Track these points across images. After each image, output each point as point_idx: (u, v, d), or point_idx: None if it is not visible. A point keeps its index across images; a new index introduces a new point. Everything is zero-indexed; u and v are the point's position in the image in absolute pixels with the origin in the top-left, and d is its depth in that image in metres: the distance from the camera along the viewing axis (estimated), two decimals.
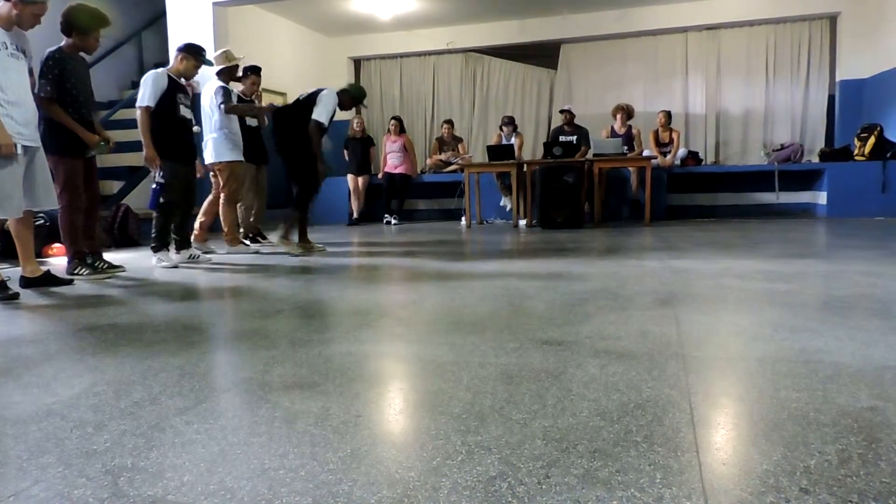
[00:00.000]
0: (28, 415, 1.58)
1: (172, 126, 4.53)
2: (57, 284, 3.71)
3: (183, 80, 4.71)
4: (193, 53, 4.69)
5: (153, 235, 4.62)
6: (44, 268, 3.80)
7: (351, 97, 5.41)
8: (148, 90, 4.42)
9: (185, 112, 4.65)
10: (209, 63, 5.10)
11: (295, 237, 5.27)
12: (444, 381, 1.74)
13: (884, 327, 2.21)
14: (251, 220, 5.92)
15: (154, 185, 4.58)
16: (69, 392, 1.75)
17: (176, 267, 4.50)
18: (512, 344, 2.10)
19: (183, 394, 1.70)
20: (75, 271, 4.01)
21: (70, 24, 3.84)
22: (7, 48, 3.41)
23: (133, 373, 1.91)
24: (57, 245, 5.42)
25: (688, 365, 1.84)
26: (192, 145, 4.78)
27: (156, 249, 4.60)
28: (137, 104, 4.46)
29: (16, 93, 3.44)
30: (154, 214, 4.63)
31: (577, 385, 1.67)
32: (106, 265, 4.17)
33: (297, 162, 5.07)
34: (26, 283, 3.63)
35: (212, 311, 2.92)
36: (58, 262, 4.79)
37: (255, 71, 5.94)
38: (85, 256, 4.09)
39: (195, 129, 5.16)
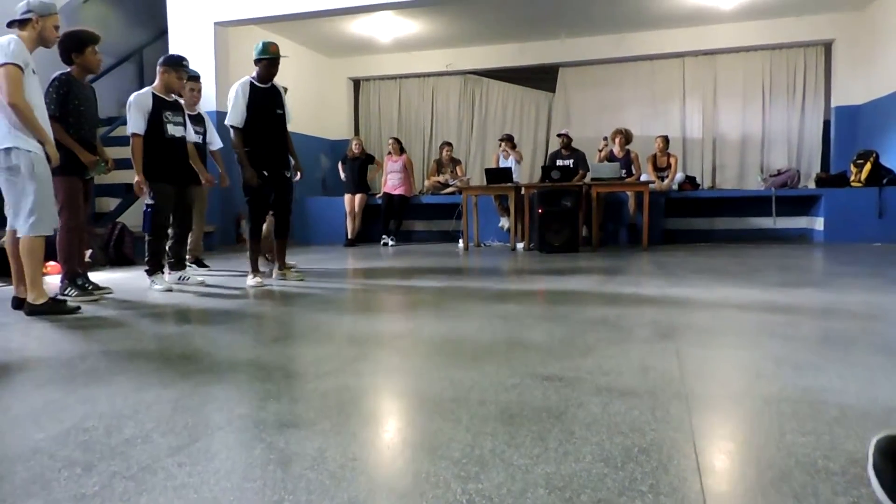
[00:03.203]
0: (14, 452, 1.54)
1: (159, 146, 4.41)
2: (63, 313, 3.50)
3: (173, 96, 4.63)
4: (173, 65, 4.55)
5: (146, 259, 4.56)
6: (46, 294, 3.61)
7: (265, 61, 4.56)
8: (133, 115, 4.37)
9: (175, 130, 4.53)
10: (193, 73, 4.99)
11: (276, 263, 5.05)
12: (443, 421, 1.70)
13: (887, 365, 2.18)
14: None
15: (145, 208, 4.54)
16: (58, 427, 1.70)
17: (170, 290, 4.44)
18: (512, 379, 2.07)
19: (175, 431, 1.65)
20: (65, 292, 3.97)
21: (66, 49, 3.89)
22: (34, 71, 3.45)
23: (125, 406, 1.86)
24: (51, 263, 5.37)
25: (691, 405, 1.80)
26: (185, 164, 4.68)
27: (149, 273, 4.53)
28: (128, 131, 4.42)
29: (42, 113, 3.50)
30: (146, 237, 4.56)
31: (580, 426, 1.64)
32: (93, 287, 4.11)
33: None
34: (30, 310, 3.47)
35: (206, 338, 2.87)
36: (51, 280, 4.73)
37: (194, 78, 5.53)
38: (76, 277, 4.04)
39: (211, 147, 5.11)
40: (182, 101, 4.84)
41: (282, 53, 4.68)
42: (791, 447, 1.49)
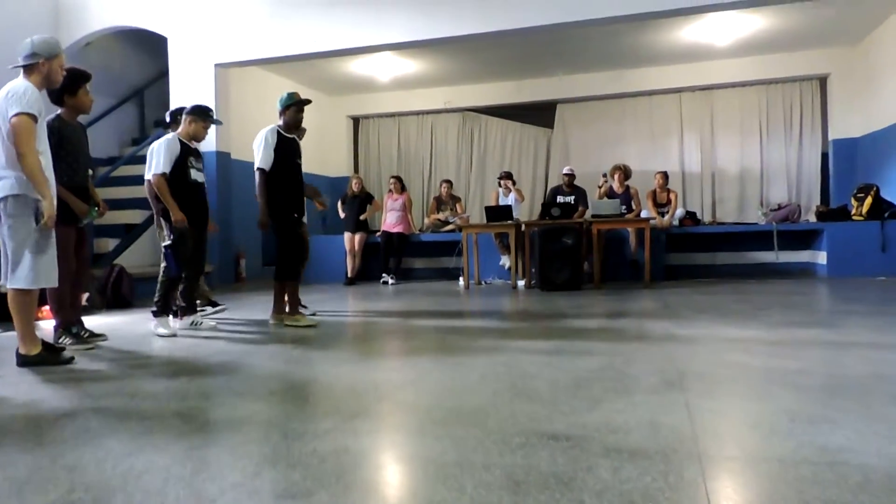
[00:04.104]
0: None
1: (184, 190, 4.56)
2: (56, 364, 3.41)
3: (194, 143, 4.76)
4: (201, 115, 4.72)
5: (156, 300, 4.51)
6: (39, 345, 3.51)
7: (293, 107, 4.71)
8: (162, 157, 4.50)
9: (197, 175, 4.70)
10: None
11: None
12: (446, 489, 1.62)
13: None
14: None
15: (165, 249, 4.52)
16: (43, 500, 1.62)
17: (174, 335, 4.36)
18: (517, 438, 1.99)
19: None
20: (59, 340, 3.90)
21: (59, 89, 3.77)
22: (44, 116, 3.41)
23: (114, 475, 1.78)
24: (46, 308, 5.30)
25: (705, 467, 1.73)
26: (204, 208, 4.78)
27: (156, 314, 4.49)
28: (153, 172, 4.52)
29: (47, 159, 3.43)
30: (160, 277, 4.53)
31: (590, 495, 1.56)
32: (88, 334, 4.04)
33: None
34: (23, 361, 3.39)
35: (202, 393, 2.79)
36: (45, 325, 4.66)
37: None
38: (70, 325, 3.97)
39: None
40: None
41: (282, 93, 4.86)
42: None
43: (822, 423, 2.08)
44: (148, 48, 9.77)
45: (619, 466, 1.75)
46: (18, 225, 3.30)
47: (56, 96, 3.84)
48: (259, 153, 4.67)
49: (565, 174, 8.12)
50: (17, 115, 3.20)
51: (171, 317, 4.58)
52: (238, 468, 1.82)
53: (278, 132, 4.72)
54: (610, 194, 8.14)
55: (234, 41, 8.06)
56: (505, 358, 3.31)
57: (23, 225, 3.30)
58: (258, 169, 4.67)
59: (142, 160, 7.93)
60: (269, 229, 4.77)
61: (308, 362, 3.47)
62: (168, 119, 5.28)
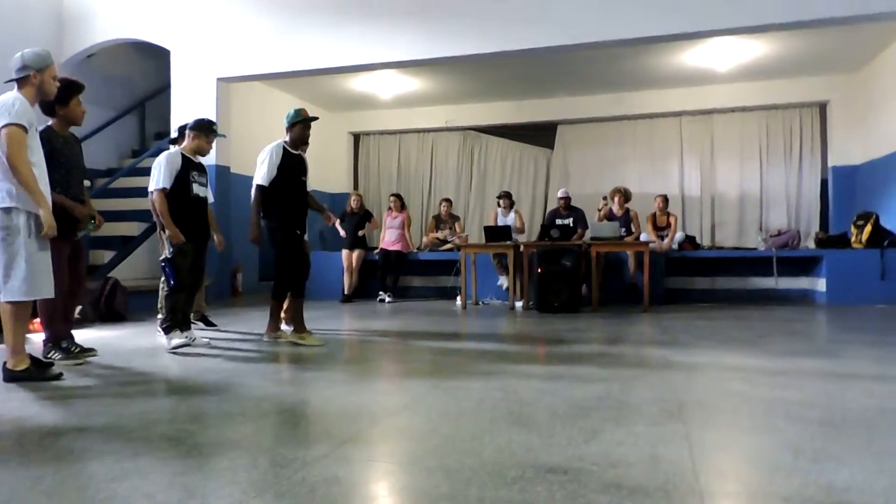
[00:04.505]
0: None
1: (185, 205, 4.51)
2: (44, 379, 3.32)
3: (198, 157, 4.71)
4: (204, 130, 4.66)
5: (162, 316, 4.49)
6: (27, 360, 3.42)
7: (299, 124, 4.70)
8: (163, 172, 4.45)
9: (200, 190, 4.64)
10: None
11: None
12: None
13: None
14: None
15: (163, 263, 4.49)
16: None
17: (187, 345, 4.37)
18: (513, 471, 1.93)
19: None
20: (49, 355, 3.83)
21: (49, 100, 3.70)
22: (36, 128, 3.38)
23: (95, 502, 1.72)
24: (37, 320, 5.23)
25: None
26: (205, 224, 4.72)
27: (166, 330, 4.45)
28: (153, 187, 4.49)
29: (42, 171, 3.40)
30: (162, 292, 4.50)
31: None
32: (78, 349, 3.98)
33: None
34: (10, 376, 3.31)
35: (192, 413, 2.73)
36: (35, 338, 4.58)
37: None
38: (60, 340, 3.91)
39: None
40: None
41: (283, 108, 4.85)
42: None
43: (826, 459, 2.03)
44: (150, 61, 9.78)
45: (619, 503, 1.69)
46: (11, 237, 3.26)
47: (47, 107, 3.79)
48: (260, 169, 4.64)
49: (561, 198, 8.09)
50: (5, 126, 3.18)
51: (179, 330, 4.49)
52: (224, 496, 1.76)
53: (284, 148, 4.68)
54: (610, 217, 8.12)
55: (237, 56, 8.07)
56: (502, 383, 3.25)
57: (15, 237, 3.26)
58: (256, 185, 4.64)
59: (141, 172, 7.94)
60: (260, 244, 4.75)
61: (301, 383, 3.41)
62: (176, 134, 5.24)
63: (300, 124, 4.70)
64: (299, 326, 4.71)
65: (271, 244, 4.71)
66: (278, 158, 4.62)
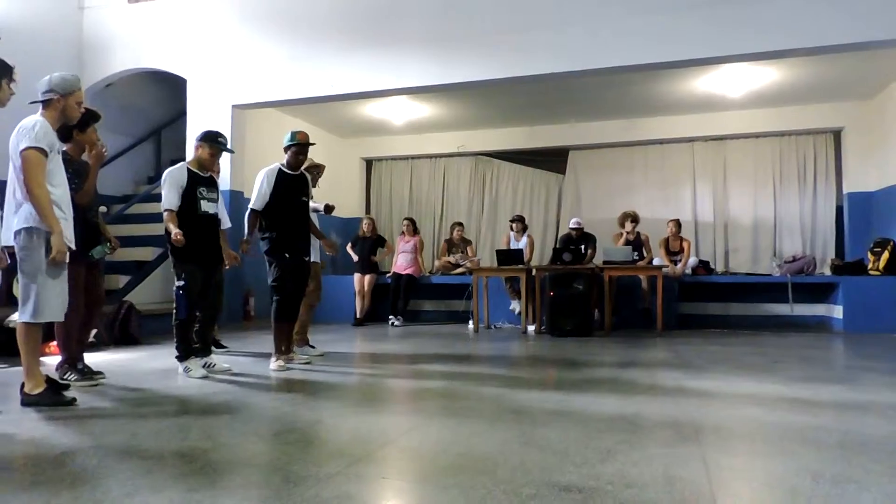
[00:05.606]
0: None
1: (192, 224, 4.24)
2: (59, 405, 3.29)
3: (206, 171, 4.50)
4: (208, 141, 4.44)
5: (175, 346, 4.33)
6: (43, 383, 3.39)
7: (293, 148, 4.68)
8: (167, 191, 4.27)
9: (208, 207, 4.39)
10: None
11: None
12: None
13: None
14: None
15: (176, 290, 4.32)
16: None
17: (206, 377, 4.17)
18: (527, 489, 1.91)
19: None
20: (64, 376, 3.85)
21: (68, 126, 3.74)
22: (58, 150, 3.43)
23: None
24: (53, 343, 5.27)
25: None
26: (215, 244, 4.48)
27: (180, 359, 4.31)
28: (162, 207, 4.30)
29: (65, 192, 3.44)
30: (173, 320, 4.34)
31: None
32: (88, 370, 3.99)
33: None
34: (27, 400, 3.30)
35: (204, 433, 2.72)
36: (50, 360, 4.61)
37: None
38: (76, 362, 3.93)
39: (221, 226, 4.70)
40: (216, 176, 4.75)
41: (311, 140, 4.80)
42: None
43: (847, 483, 1.99)
44: (167, 89, 9.96)
45: None
46: (29, 258, 3.29)
47: (65, 132, 3.82)
48: (254, 192, 4.62)
49: (573, 228, 8.07)
50: (25, 149, 3.24)
51: (195, 357, 4.38)
52: None
53: (279, 171, 4.67)
54: (626, 241, 8.07)
55: (252, 83, 8.20)
56: (514, 405, 3.23)
57: (33, 258, 3.29)
58: (250, 208, 4.64)
59: (156, 198, 8.00)
60: (241, 258, 4.80)
61: (313, 404, 3.40)
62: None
63: (294, 148, 4.68)
64: (285, 348, 4.68)
65: (267, 264, 4.68)
66: (271, 181, 4.61)
